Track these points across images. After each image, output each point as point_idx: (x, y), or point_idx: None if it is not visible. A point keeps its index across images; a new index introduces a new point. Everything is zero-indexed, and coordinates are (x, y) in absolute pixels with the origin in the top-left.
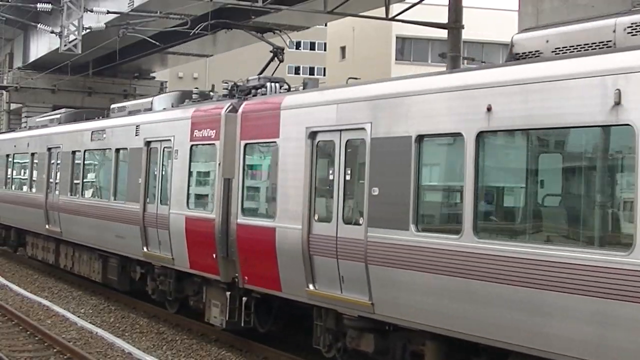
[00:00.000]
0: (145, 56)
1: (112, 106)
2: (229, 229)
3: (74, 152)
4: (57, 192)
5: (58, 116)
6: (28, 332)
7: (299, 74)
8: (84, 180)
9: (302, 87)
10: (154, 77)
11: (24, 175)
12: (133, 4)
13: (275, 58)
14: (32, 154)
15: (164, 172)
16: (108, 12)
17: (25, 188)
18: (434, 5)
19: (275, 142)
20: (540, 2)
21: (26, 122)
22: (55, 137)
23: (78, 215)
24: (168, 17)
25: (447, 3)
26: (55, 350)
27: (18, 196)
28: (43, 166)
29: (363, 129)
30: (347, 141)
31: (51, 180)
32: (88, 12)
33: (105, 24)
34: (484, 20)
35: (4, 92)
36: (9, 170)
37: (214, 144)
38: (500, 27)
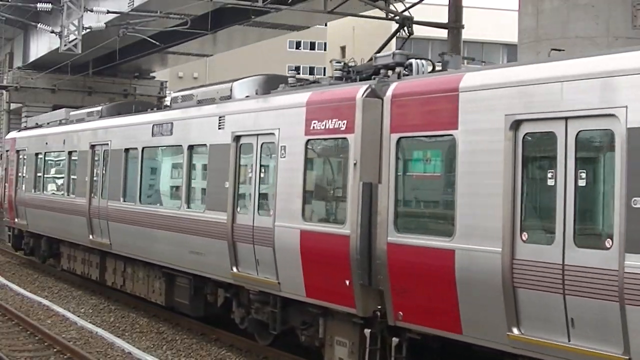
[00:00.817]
0: (145, 56)
1: (173, 95)
2: (373, 249)
3: (127, 150)
4: (104, 198)
5: (99, 108)
6: (28, 332)
7: (299, 73)
8: (143, 184)
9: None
10: (154, 77)
11: (58, 177)
12: (133, 4)
13: (402, 30)
14: (70, 153)
15: (262, 174)
16: (108, 12)
17: (60, 192)
18: (434, 5)
19: (450, 134)
20: (540, 2)
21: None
22: (100, 132)
23: (134, 226)
24: (168, 16)
25: (447, 3)
26: (55, 350)
27: (51, 201)
28: (85, 167)
29: (613, 115)
30: (579, 133)
31: (96, 183)
32: (88, 11)
33: (105, 23)
34: (484, 20)
35: (4, 91)
36: (39, 172)
37: (345, 137)
38: (501, 27)
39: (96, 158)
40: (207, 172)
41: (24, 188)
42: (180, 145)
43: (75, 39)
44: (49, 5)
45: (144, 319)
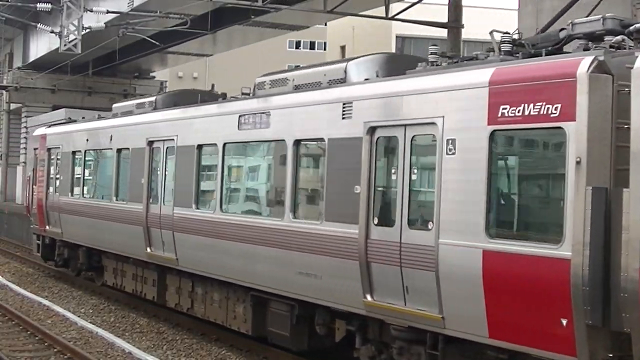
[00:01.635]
0: (145, 56)
1: (258, 80)
2: (612, 277)
3: (200, 147)
4: (168, 204)
5: (152, 99)
6: (28, 332)
7: None
8: (224, 188)
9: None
10: (153, 77)
11: (103, 178)
12: (133, 4)
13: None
14: (119, 151)
15: (414, 176)
16: (108, 12)
17: (106, 196)
18: (433, 5)
19: None
20: (540, 1)
21: (25, 122)
22: (162, 126)
23: (212, 239)
24: (168, 16)
25: (446, 2)
26: (55, 350)
27: (94, 207)
28: (140, 167)
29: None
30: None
31: (155, 186)
32: (88, 11)
33: (105, 23)
34: (483, 19)
35: (4, 92)
36: (78, 173)
37: (559, 127)
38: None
39: (156, 156)
40: (324, 172)
41: (57, 191)
42: (282, 140)
43: (75, 39)
44: (49, 6)
45: (144, 319)
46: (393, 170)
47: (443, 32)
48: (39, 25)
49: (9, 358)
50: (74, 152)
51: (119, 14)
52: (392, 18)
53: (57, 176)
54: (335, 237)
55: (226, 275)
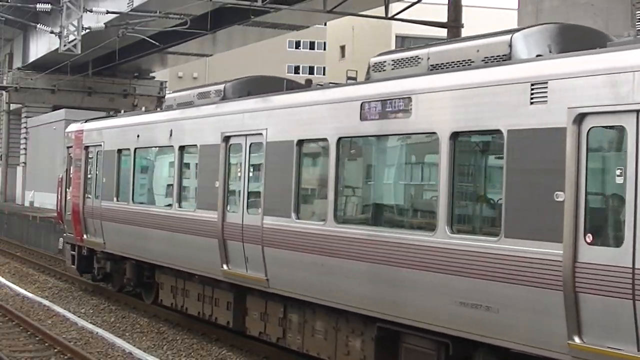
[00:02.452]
0: (145, 56)
1: (375, 60)
2: None
3: (300, 143)
4: (254, 213)
5: (219, 87)
6: (29, 333)
7: (298, 73)
8: (342, 193)
9: None
10: (153, 77)
11: (159, 181)
12: (132, 4)
13: None
14: (182, 148)
15: None
16: (107, 12)
17: (164, 202)
18: (433, 4)
19: None
20: (540, 1)
21: (25, 122)
22: (242, 118)
23: (324, 256)
24: (167, 16)
25: (446, 2)
26: (55, 350)
27: (148, 214)
28: (214, 167)
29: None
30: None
31: (236, 190)
32: (87, 12)
33: (104, 24)
34: (483, 19)
35: (4, 92)
36: (125, 174)
37: None
38: (500, 26)
39: (234, 154)
40: (500, 174)
41: (98, 196)
42: (434, 133)
43: (75, 39)
44: (49, 6)
45: (144, 319)
46: (618, 172)
47: (443, 32)
48: (38, 25)
49: (9, 358)
50: (120, 151)
51: (118, 14)
52: (392, 18)
53: (98, 178)
54: (517, 257)
55: (340, 301)
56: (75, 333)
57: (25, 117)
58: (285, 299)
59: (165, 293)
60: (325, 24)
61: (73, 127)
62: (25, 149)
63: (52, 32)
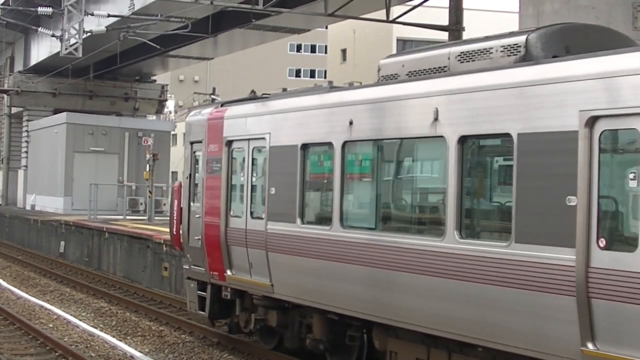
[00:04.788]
0: (146, 59)
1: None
2: None
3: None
4: None
5: (513, 40)
6: (30, 336)
7: (299, 76)
8: None
9: None
10: (154, 80)
11: (404, 194)
12: (134, 7)
13: None
14: (464, 140)
15: None
16: (109, 16)
17: (416, 228)
18: (434, 8)
19: None
20: (541, 3)
21: (27, 125)
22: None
23: None
24: (168, 20)
25: (447, 5)
26: (57, 353)
27: (384, 248)
28: (561, 170)
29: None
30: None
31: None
32: (89, 15)
33: (106, 27)
34: (485, 22)
35: (5, 95)
36: (321, 183)
37: None
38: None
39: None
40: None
41: (256, 214)
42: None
43: (76, 42)
44: (50, 9)
45: (145, 323)
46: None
47: (444, 35)
48: (40, 29)
49: None
50: (306, 147)
51: (119, 18)
52: (393, 21)
53: (258, 188)
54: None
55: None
56: (76, 336)
57: (26, 120)
58: None
59: None
60: (326, 27)
61: (202, 112)
62: (26, 152)
63: (53, 36)
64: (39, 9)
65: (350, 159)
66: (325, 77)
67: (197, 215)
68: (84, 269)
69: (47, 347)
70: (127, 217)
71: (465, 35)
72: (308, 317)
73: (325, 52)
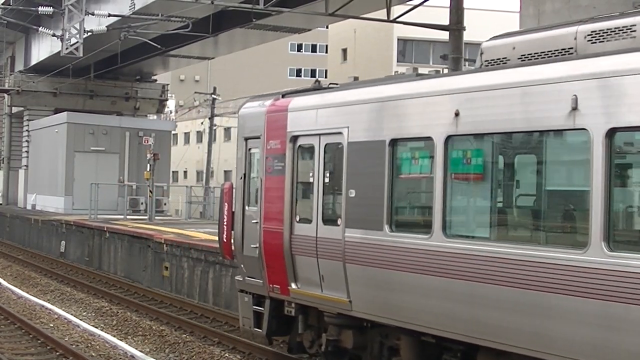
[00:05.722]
0: (147, 59)
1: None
2: None
3: None
4: None
5: None
6: (31, 336)
7: (300, 76)
8: None
9: None
10: (155, 80)
11: (540, 195)
12: (134, 7)
13: None
14: (613, 133)
15: None
16: (109, 15)
17: (568, 239)
18: (435, 7)
19: None
20: (541, 3)
21: (27, 125)
22: None
23: None
24: (169, 19)
25: (448, 5)
26: (58, 353)
27: (503, 259)
28: None
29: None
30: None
31: None
32: (89, 15)
33: (106, 27)
34: (485, 22)
35: (6, 95)
36: (417, 185)
37: None
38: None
39: None
40: None
41: (332, 220)
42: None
43: (77, 42)
44: (51, 9)
45: (146, 322)
46: None
47: (445, 35)
48: (40, 28)
49: None
50: (395, 142)
51: (120, 17)
52: (394, 21)
53: (333, 191)
54: None
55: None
56: (77, 336)
57: (27, 120)
58: None
59: None
60: (327, 27)
61: (259, 104)
62: (27, 152)
63: (54, 35)
64: (40, 8)
65: (455, 156)
66: (326, 77)
67: (254, 221)
68: (84, 268)
69: (48, 347)
70: (128, 217)
71: (466, 36)
72: (392, 339)
73: (326, 52)
